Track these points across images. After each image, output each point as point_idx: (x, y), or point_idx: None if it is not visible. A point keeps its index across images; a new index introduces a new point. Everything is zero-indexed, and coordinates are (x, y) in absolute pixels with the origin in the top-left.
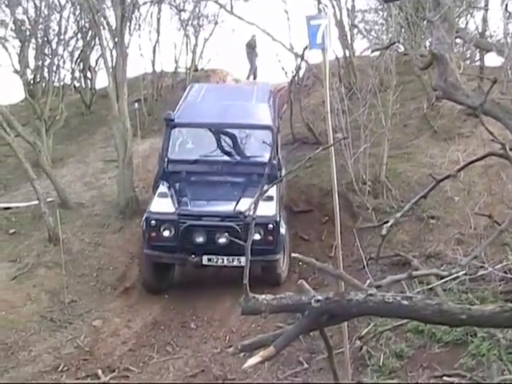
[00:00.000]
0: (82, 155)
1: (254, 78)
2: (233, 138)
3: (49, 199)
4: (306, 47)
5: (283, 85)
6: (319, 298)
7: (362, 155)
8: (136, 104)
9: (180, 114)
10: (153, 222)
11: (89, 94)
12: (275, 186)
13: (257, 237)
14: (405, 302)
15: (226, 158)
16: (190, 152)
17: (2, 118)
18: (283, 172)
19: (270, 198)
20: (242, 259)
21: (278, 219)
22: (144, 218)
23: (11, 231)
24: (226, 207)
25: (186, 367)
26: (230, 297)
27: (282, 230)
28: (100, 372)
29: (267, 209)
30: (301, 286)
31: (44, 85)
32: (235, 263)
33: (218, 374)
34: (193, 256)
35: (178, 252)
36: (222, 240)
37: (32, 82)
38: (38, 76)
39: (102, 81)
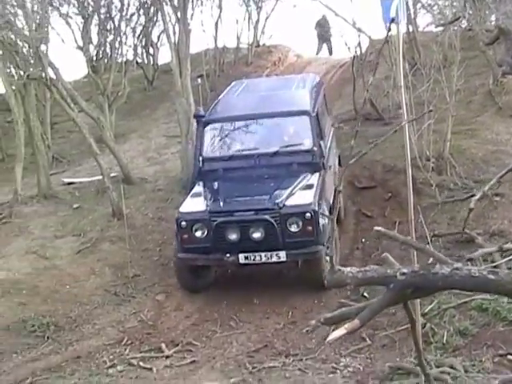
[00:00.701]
0: (145, 131)
1: (330, 54)
2: (268, 128)
3: (112, 174)
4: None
5: (346, 60)
6: (404, 271)
7: (425, 131)
8: (198, 79)
9: (213, 110)
10: (183, 222)
11: (151, 69)
12: (317, 173)
13: (294, 228)
14: (491, 276)
15: (262, 150)
16: (226, 148)
17: (65, 94)
18: (331, 159)
19: (309, 187)
20: (281, 254)
21: (316, 208)
22: (175, 219)
23: (75, 206)
24: (260, 200)
25: (248, 342)
26: (292, 273)
27: (324, 220)
28: (163, 346)
29: (304, 198)
30: (385, 258)
31: (107, 61)
32: (274, 259)
33: (281, 349)
34: (228, 255)
35: (213, 253)
36: (257, 235)
37: (95, 58)
38: (101, 52)
39: (164, 56)
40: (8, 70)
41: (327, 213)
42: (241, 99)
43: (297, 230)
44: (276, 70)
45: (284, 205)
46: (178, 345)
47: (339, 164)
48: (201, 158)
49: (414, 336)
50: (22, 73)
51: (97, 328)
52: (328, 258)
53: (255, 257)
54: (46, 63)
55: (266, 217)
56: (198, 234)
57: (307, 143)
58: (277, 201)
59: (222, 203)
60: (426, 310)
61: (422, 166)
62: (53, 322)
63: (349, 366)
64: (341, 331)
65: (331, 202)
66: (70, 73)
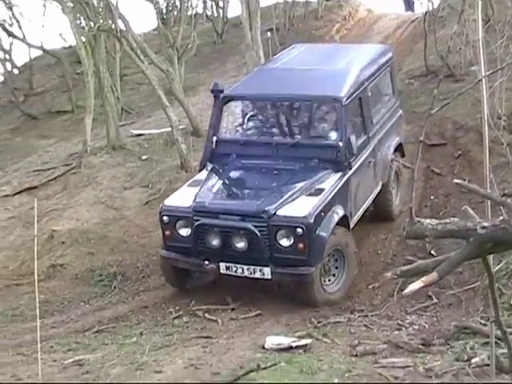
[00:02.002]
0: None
1: (412, 11)
2: (294, 113)
3: (181, 126)
4: None
5: (417, 15)
6: (485, 224)
7: (497, 89)
8: (268, 33)
9: (240, 84)
10: (165, 217)
11: (221, 22)
12: (338, 174)
13: (285, 242)
14: None
15: (282, 138)
16: (243, 131)
17: (135, 46)
18: (381, 151)
19: (318, 193)
20: (266, 270)
21: (311, 222)
22: (159, 212)
23: (144, 157)
24: (250, 204)
25: None
26: (361, 229)
27: (322, 236)
28: (229, 298)
29: (302, 207)
30: (465, 211)
31: (176, 13)
32: (257, 275)
33: (346, 304)
34: (206, 262)
35: (194, 256)
36: (240, 244)
37: (164, 10)
38: (171, 4)
39: (233, 10)
40: (78, 22)
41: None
42: (277, 73)
43: (287, 244)
44: (346, 24)
45: (274, 213)
46: (242, 297)
47: (400, 153)
48: (214, 139)
49: (491, 292)
50: (92, 24)
51: (163, 279)
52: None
53: (237, 269)
54: (116, 15)
55: (249, 225)
56: (182, 232)
57: (333, 137)
58: (267, 207)
59: (208, 200)
60: (494, 270)
61: (493, 125)
62: (120, 271)
63: (414, 324)
64: (418, 284)
65: (365, 204)
66: (139, 25)
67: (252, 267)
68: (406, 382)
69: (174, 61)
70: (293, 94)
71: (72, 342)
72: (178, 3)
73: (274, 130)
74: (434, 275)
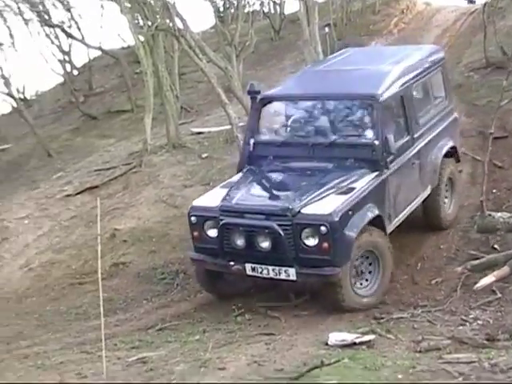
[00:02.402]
0: (272, 80)
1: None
2: (331, 113)
3: (240, 124)
4: None
5: (476, 7)
6: None
7: None
8: (326, 28)
9: (283, 85)
10: (193, 218)
11: (278, 19)
12: (374, 174)
13: (310, 242)
14: None
15: (318, 138)
16: (280, 132)
17: (193, 44)
18: (426, 155)
19: (348, 191)
20: (291, 271)
21: (336, 220)
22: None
23: (204, 155)
24: (275, 203)
25: None
26: (421, 225)
27: (348, 235)
28: (291, 295)
29: (328, 205)
30: None
31: (233, 11)
32: (283, 276)
33: (410, 300)
34: (232, 263)
35: (221, 257)
36: (265, 244)
37: (222, 8)
38: (228, 2)
39: (290, 6)
40: (136, 22)
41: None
42: (315, 75)
43: (312, 244)
44: (404, 18)
45: (299, 212)
46: (305, 294)
47: (455, 158)
48: (252, 141)
49: None
50: (150, 24)
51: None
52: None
53: (262, 270)
54: (173, 14)
55: (273, 224)
56: (210, 233)
57: (368, 135)
58: (291, 205)
59: (237, 200)
60: None
61: None
62: (182, 269)
63: (478, 319)
64: (490, 278)
65: (408, 208)
66: (197, 23)
67: (277, 268)
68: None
69: (232, 58)
70: (329, 93)
71: (135, 339)
72: (235, 1)
73: (310, 130)
74: (505, 269)
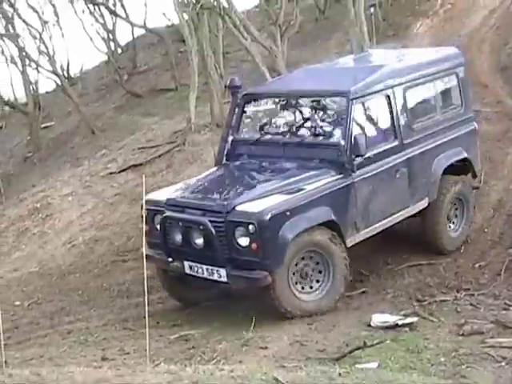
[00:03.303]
0: (317, 61)
1: None
2: (306, 111)
3: None
4: None
5: None
6: None
7: None
8: (371, 9)
9: (268, 82)
10: (145, 211)
11: None
12: (326, 178)
13: (243, 242)
14: None
15: (289, 137)
16: (256, 130)
17: (238, 23)
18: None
19: (294, 192)
20: (222, 272)
21: (265, 218)
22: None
23: None
24: (215, 199)
25: (419, 275)
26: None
27: (282, 236)
28: None
29: (261, 204)
30: None
31: None
32: (215, 277)
33: (453, 283)
34: (170, 259)
35: (165, 253)
36: (199, 241)
37: None
38: None
39: None
40: (181, 0)
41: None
42: (306, 73)
43: (245, 245)
44: None
45: (233, 208)
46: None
47: (471, 172)
48: (230, 139)
49: None
50: (195, 2)
51: None
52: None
53: (198, 269)
54: None
55: (205, 220)
56: (159, 227)
57: (336, 135)
58: (227, 202)
59: (183, 194)
60: None
61: None
62: None
63: None
64: None
65: (387, 220)
66: (241, 2)
67: (210, 268)
68: None
69: (276, 38)
70: (303, 90)
71: (177, 317)
72: None
73: (284, 129)
74: None
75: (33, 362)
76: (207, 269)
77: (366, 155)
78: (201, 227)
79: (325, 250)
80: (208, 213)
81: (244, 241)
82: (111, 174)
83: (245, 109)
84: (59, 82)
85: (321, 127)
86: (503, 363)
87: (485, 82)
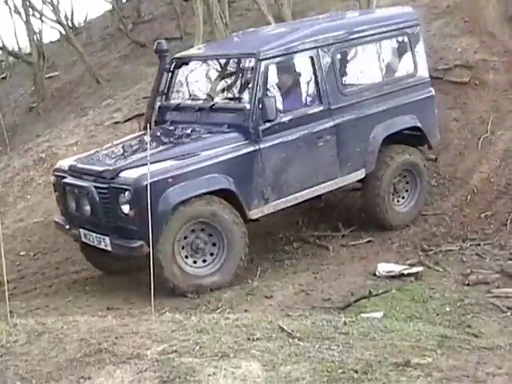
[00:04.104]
0: (322, 9)
1: None
2: (223, 74)
3: None
4: None
5: None
6: None
7: None
8: None
9: (201, 46)
10: (53, 177)
11: None
12: (229, 144)
13: (126, 209)
14: None
15: (203, 103)
16: (179, 96)
17: None
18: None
19: (183, 158)
20: (106, 241)
21: (141, 185)
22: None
23: None
24: (108, 164)
25: (425, 224)
26: (472, 156)
27: (161, 204)
28: (340, 225)
29: (142, 170)
30: None
31: None
32: (102, 245)
33: (458, 233)
34: (67, 227)
35: (66, 221)
36: (86, 208)
37: None
38: None
39: None
40: None
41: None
42: (237, 37)
43: (127, 212)
44: None
45: (117, 174)
46: (353, 224)
47: (426, 143)
48: (158, 105)
49: None
50: None
51: None
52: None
53: (91, 237)
54: None
55: (89, 186)
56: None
57: (245, 98)
58: (112, 167)
59: (83, 160)
60: None
61: None
62: None
63: None
64: None
65: (307, 191)
66: None
67: (98, 236)
68: None
69: None
70: (219, 53)
71: None
72: None
73: (200, 94)
74: None
75: (38, 312)
76: (96, 237)
77: (279, 120)
78: (87, 193)
79: (217, 222)
80: (95, 178)
81: (126, 208)
82: (116, 123)
83: (174, 73)
84: (63, 32)
85: (232, 91)
86: (508, 313)
87: (492, 31)
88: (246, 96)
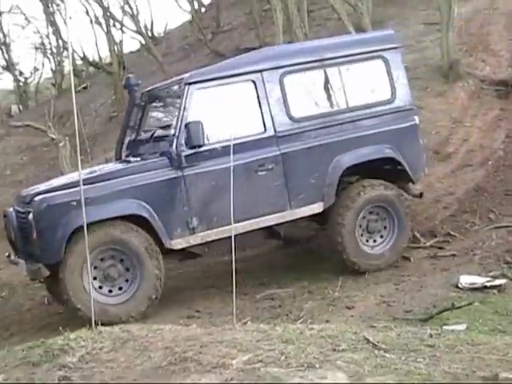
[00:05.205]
0: (402, 18)
1: None
2: (165, 104)
3: None
4: None
5: None
6: None
7: None
8: None
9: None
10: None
11: None
12: (155, 171)
13: (30, 231)
14: None
15: (150, 134)
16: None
17: None
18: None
19: (92, 182)
20: (22, 264)
21: (40, 207)
22: None
23: None
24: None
25: (509, 236)
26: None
27: (59, 227)
28: (418, 235)
29: (51, 193)
30: None
31: None
32: (24, 271)
33: None
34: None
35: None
36: (12, 233)
37: None
38: None
39: None
40: None
41: None
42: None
43: (33, 235)
44: None
45: (32, 199)
46: (435, 236)
47: (405, 179)
48: (127, 140)
49: None
50: None
51: None
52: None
53: (19, 263)
54: None
55: (9, 211)
56: None
57: (173, 125)
58: (32, 192)
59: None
60: None
61: None
62: None
63: None
64: None
65: (244, 222)
66: None
67: (21, 262)
68: None
69: None
70: (168, 83)
71: (263, 276)
72: None
73: (154, 125)
74: None
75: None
76: (21, 263)
77: (208, 147)
78: (11, 219)
79: (127, 250)
80: (19, 204)
81: (31, 231)
82: None
83: (144, 107)
84: (143, 42)
85: (168, 119)
86: None
87: None
88: (174, 122)
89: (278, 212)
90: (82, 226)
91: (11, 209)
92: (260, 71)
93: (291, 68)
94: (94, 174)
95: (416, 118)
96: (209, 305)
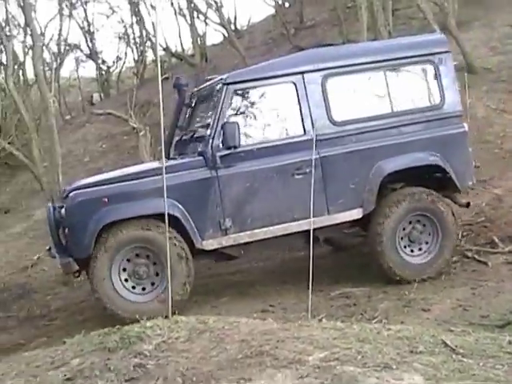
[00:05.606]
0: (488, 19)
1: None
2: (206, 104)
3: (454, 62)
4: None
5: None
6: None
7: None
8: None
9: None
10: None
11: None
12: (189, 170)
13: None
14: None
15: (190, 133)
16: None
17: None
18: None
19: (127, 180)
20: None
21: (73, 203)
22: None
23: None
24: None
25: None
26: None
27: (88, 223)
28: (496, 240)
29: (85, 190)
30: None
31: None
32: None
33: None
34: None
35: None
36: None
37: None
38: None
39: None
40: None
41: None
42: None
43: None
44: None
45: (67, 195)
46: None
47: (450, 188)
48: (176, 139)
49: None
50: None
51: None
52: None
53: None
54: None
55: (49, 206)
56: None
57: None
58: (71, 187)
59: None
60: None
61: None
62: None
63: None
64: None
65: (276, 227)
66: None
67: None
68: None
69: None
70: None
71: (339, 273)
72: None
73: (197, 124)
74: None
75: (196, 309)
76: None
77: (244, 148)
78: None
79: (156, 248)
80: (59, 199)
81: (64, 225)
82: None
83: (194, 107)
84: (226, 35)
85: (207, 119)
86: None
87: None
88: (210, 122)
89: (316, 216)
90: (111, 223)
91: (50, 203)
92: (301, 73)
93: (334, 70)
94: (130, 171)
95: (465, 124)
96: (283, 300)
